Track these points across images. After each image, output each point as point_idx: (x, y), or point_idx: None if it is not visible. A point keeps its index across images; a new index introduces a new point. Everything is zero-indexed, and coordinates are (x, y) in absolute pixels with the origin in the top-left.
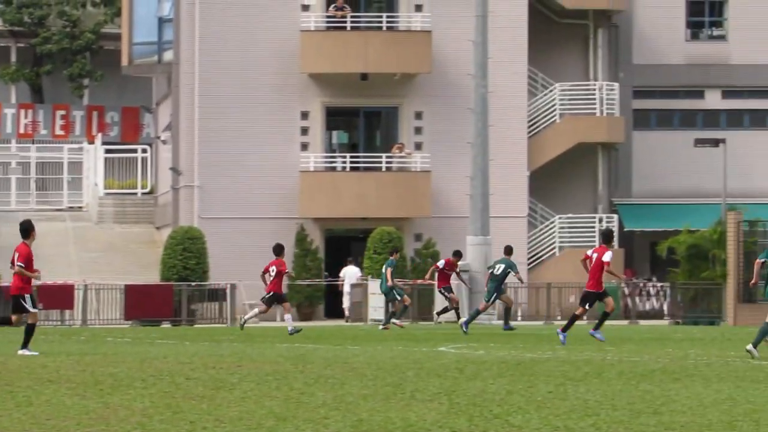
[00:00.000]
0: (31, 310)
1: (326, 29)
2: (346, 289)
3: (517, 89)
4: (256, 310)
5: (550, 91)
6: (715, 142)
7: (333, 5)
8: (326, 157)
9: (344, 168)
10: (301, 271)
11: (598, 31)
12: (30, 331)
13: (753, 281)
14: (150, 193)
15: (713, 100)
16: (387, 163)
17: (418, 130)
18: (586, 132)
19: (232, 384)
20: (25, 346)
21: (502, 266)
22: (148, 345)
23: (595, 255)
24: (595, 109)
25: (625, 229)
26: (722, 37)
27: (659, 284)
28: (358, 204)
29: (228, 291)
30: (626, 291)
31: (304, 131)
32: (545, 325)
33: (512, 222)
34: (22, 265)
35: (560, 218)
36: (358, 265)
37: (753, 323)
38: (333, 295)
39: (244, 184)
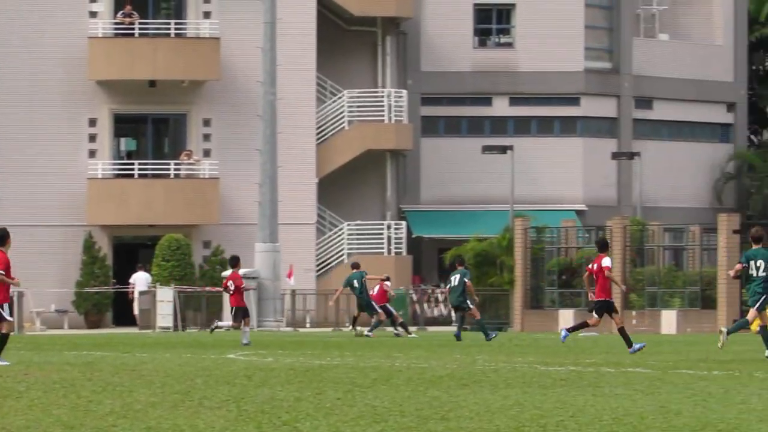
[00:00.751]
0: (8, 318)
1: (114, 36)
2: (137, 295)
3: (305, 96)
4: (228, 323)
5: (339, 98)
6: (503, 149)
7: (121, 12)
8: (114, 164)
9: (132, 175)
10: (89, 278)
11: (386, 39)
12: (3, 340)
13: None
14: None
15: (501, 107)
16: (175, 170)
17: (206, 137)
18: (374, 139)
19: (19, 392)
20: None
21: (458, 276)
22: None
23: (595, 266)
24: (383, 116)
25: (414, 236)
26: (509, 45)
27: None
28: (147, 211)
29: (15, 298)
30: (414, 297)
31: (92, 138)
32: (333, 332)
33: (301, 229)
34: (2, 272)
35: (349, 225)
36: (148, 271)
37: (540, 329)
38: (121, 302)
39: (31, 191)
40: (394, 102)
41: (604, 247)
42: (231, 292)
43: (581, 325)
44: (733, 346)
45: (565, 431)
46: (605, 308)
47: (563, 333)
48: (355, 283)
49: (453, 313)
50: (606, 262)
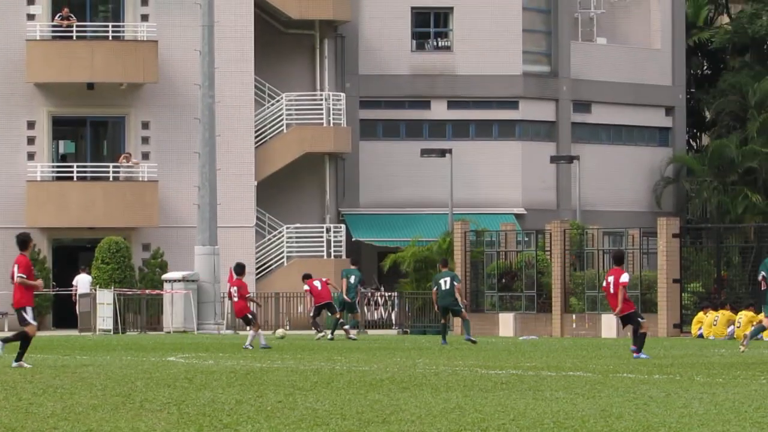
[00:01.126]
0: (32, 322)
1: (52, 38)
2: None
3: (244, 99)
4: (252, 332)
5: (278, 101)
6: (441, 153)
7: (59, 15)
8: (53, 166)
9: (71, 177)
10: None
11: (325, 42)
12: (25, 343)
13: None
14: None
15: (439, 111)
16: (114, 172)
17: (145, 140)
18: (313, 142)
19: None
20: (19, 358)
21: (448, 278)
22: None
23: (611, 278)
24: (322, 119)
25: (353, 239)
26: (447, 48)
27: (387, 294)
28: (86, 214)
29: None
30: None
31: (31, 141)
32: (273, 334)
33: (240, 232)
34: (24, 276)
35: (288, 228)
36: (89, 274)
37: (480, 333)
38: (61, 304)
39: None
40: (333, 105)
41: (620, 260)
42: (235, 299)
43: (641, 337)
44: (672, 350)
45: None
46: (636, 317)
47: (643, 356)
48: (352, 280)
49: (438, 316)
50: (625, 278)
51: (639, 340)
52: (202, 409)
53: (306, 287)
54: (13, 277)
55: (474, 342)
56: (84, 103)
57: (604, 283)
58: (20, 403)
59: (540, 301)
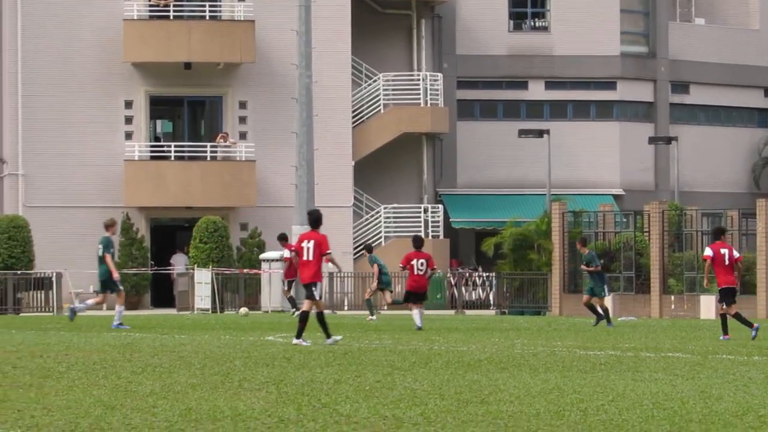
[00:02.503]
0: (319, 299)
1: (149, 18)
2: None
3: (341, 79)
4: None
5: (374, 81)
6: (539, 133)
7: None
8: (150, 146)
9: (169, 157)
10: (127, 260)
11: (422, 22)
12: (314, 319)
13: None
14: None
15: (536, 91)
16: (212, 152)
17: (242, 120)
18: (410, 122)
19: (60, 373)
20: (299, 335)
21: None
22: None
23: (724, 251)
24: (419, 99)
25: (451, 220)
26: (545, 28)
27: (485, 274)
28: (183, 193)
29: (54, 279)
30: (452, 281)
31: (128, 120)
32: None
33: (338, 212)
34: (330, 252)
35: (386, 208)
36: (186, 253)
37: (578, 313)
38: (159, 283)
39: (68, 172)
40: (430, 85)
41: (721, 233)
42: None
43: (744, 320)
44: None
45: (605, 415)
46: (732, 294)
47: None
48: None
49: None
50: (737, 253)
51: (740, 319)
52: (301, 389)
53: (288, 253)
54: (300, 252)
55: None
56: (181, 82)
57: (711, 253)
58: (119, 382)
59: (638, 282)
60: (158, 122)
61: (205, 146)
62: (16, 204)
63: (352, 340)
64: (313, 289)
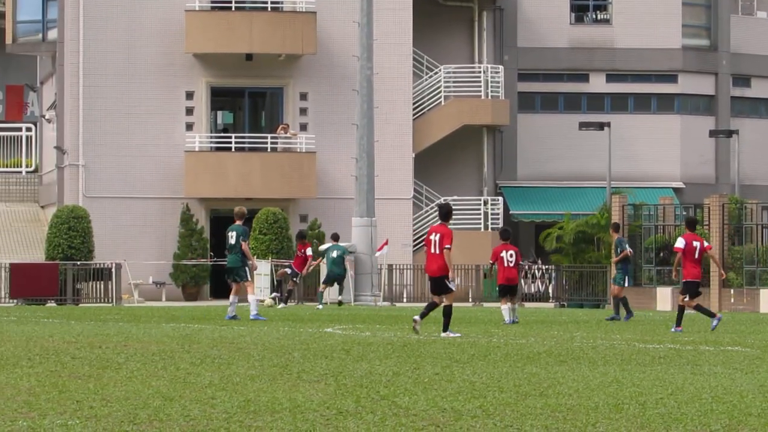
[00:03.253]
0: (453, 289)
1: (211, 9)
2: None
3: (402, 71)
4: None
5: (435, 73)
6: (600, 126)
7: None
8: (211, 137)
9: (229, 148)
10: (186, 251)
11: (483, 14)
12: (449, 312)
13: None
14: (35, 171)
15: (598, 84)
16: (272, 143)
17: (303, 111)
18: (471, 114)
19: (119, 363)
20: (446, 329)
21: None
22: (33, 324)
23: (696, 243)
24: (480, 91)
25: (511, 213)
26: (606, 21)
27: (544, 267)
28: (244, 184)
29: (113, 270)
30: None
31: (189, 111)
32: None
33: (397, 204)
34: (449, 247)
35: (445, 200)
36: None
37: (636, 306)
38: (218, 274)
39: (129, 163)
40: (491, 78)
41: (693, 224)
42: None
43: (705, 311)
44: None
45: (664, 409)
46: (696, 287)
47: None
48: (335, 254)
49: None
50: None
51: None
52: (360, 381)
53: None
54: (429, 245)
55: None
56: (242, 74)
57: (683, 245)
58: (178, 373)
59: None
60: (219, 113)
61: (266, 137)
62: (77, 194)
63: (410, 332)
64: (446, 281)
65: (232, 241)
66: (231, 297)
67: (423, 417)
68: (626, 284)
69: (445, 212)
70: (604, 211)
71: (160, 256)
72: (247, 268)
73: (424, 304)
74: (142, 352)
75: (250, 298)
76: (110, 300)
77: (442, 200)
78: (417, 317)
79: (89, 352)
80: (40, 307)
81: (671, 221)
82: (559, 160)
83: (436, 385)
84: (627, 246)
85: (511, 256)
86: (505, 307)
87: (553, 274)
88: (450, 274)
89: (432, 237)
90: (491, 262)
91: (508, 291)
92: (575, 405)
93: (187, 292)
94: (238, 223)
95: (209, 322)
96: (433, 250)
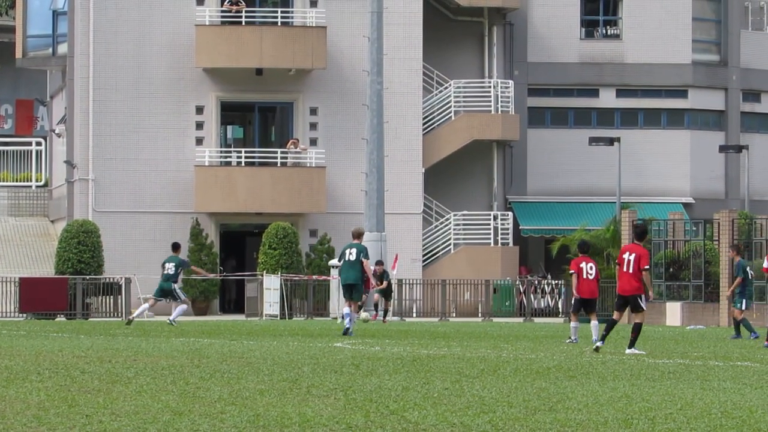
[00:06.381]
0: (644, 308)
1: (221, 24)
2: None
3: (412, 86)
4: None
5: (446, 88)
6: (610, 141)
7: (228, 0)
8: (221, 151)
9: (239, 163)
10: (196, 265)
11: (493, 29)
12: (638, 330)
13: None
14: (44, 186)
15: (607, 99)
16: (282, 158)
17: (313, 126)
18: (481, 129)
19: (128, 378)
20: (632, 345)
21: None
22: (43, 338)
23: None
24: (490, 106)
25: (521, 227)
26: (616, 36)
27: (554, 282)
28: (253, 199)
29: (123, 285)
30: (521, 288)
31: (199, 126)
32: (440, 322)
33: (407, 219)
34: (648, 268)
35: (455, 215)
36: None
37: (647, 322)
38: (227, 289)
39: (139, 177)
40: (501, 93)
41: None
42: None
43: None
44: None
45: (673, 424)
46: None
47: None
48: (171, 268)
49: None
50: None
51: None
52: (369, 395)
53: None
54: (622, 264)
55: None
56: (252, 88)
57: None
58: (187, 387)
59: (707, 291)
60: (229, 128)
61: (276, 152)
62: (86, 209)
63: (420, 347)
64: (639, 300)
65: (353, 257)
66: (346, 309)
67: None
68: (744, 307)
69: (641, 232)
70: (610, 226)
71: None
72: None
73: (434, 319)
74: (152, 366)
75: (355, 315)
76: (120, 314)
77: (637, 221)
78: (599, 342)
79: (98, 366)
80: (50, 321)
81: (681, 236)
82: (568, 175)
83: (445, 400)
84: (748, 269)
85: (591, 268)
86: (574, 325)
87: (563, 289)
88: (650, 294)
89: (626, 256)
90: (571, 271)
91: (585, 305)
92: (584, 420)
93: (196, 307)
94: (356, 241)
95: (219, 336)
96: (626, 269)
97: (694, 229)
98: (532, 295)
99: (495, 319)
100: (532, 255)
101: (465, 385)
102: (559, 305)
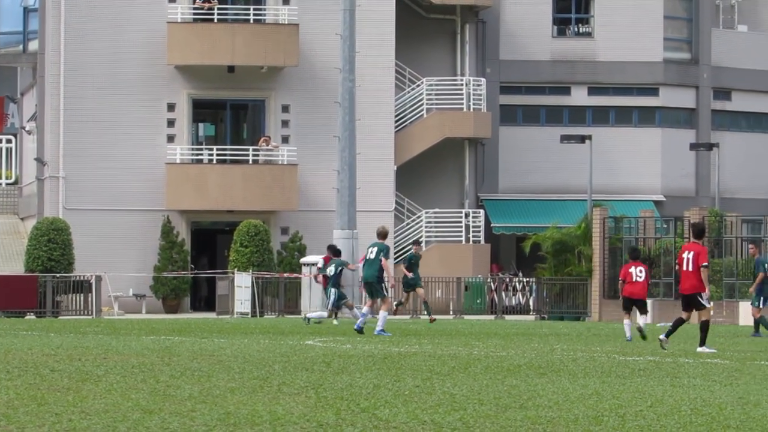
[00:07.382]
0: (708, 306)
1: (193, 21)
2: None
3: (384, 84)
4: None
5: (418, 85)
6: (581, 139)
7: None
8: (192, 149)
9: (211, 160)
10: (167, 263)
11: (466, 27)
12: (706, 328)
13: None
14: (15, 183)
15: (579, 97)
16: (254, 155)
17: (285, 123)
18: (453, 127)
19: (98, 376)
20: (702, 343)
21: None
22: (12, 336)
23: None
24: (462, 104)
25: (492, 225)
26: (588, 34)
27: (525, 279)
28: (225, 196)
29: (93, 282)
30: (492, 286)
31: (171, 123)
32: (411, 320)
33: (379, 216)
34: (707, 264)
35: (427, 213)
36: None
37: (617, 319)
38: (198, 287)
39: (110, 175)
40: (473, 90)
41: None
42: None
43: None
44: None
45: (644, 421)
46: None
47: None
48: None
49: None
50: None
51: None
52: (340, 393)
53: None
54: (682, 263)
55: None
56: (224, 86)
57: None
58: (158, 386)
59: (678, 289)
60: (200, 125)
61: (247, 150)
62: (57, 206)
63: (391, 345)
64: (699, 298)
65: (372, 255)
66: (365, 309)
67: (403, 429)
68: (761, 305)
69: (699, 230)
70: (581, 223)
71: (140, 268)
72: (383, 285)
73: (406, 317)
74: (122, 364)
75: (382, 313)
76: (90, 312)
77: (696, 219)
78: (663, 336)
79: (68, 364)
80: (20, 319)
81: (652, 234)
82: (540, 172)
83: (416, 398)
84: (763, 268)
85: (640, 271)
86: (627, 323)
87: (534, 287)
88: (706, 292)
89: (685, 255)
90: (621, 279)
91: (633, 304)
92: (555, 417)
93: (167, 305)
94: (380, 240)
95: (189, 334)
96: (685, 268)
97: (665, 226)
98: (503, 293)
99: (466, 317)
100: (504, 253)
101: (436, 382)
102: (531, 303)
